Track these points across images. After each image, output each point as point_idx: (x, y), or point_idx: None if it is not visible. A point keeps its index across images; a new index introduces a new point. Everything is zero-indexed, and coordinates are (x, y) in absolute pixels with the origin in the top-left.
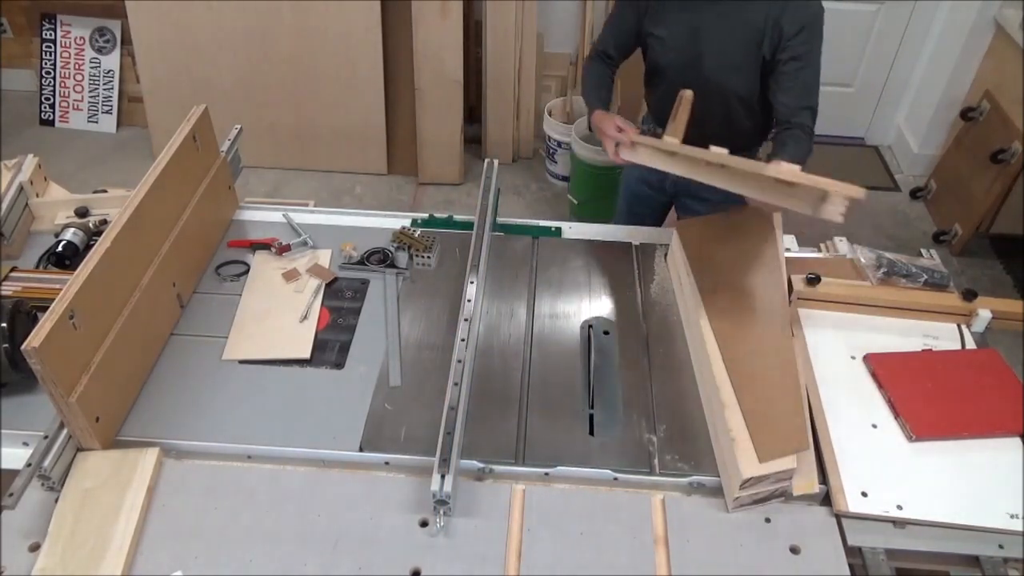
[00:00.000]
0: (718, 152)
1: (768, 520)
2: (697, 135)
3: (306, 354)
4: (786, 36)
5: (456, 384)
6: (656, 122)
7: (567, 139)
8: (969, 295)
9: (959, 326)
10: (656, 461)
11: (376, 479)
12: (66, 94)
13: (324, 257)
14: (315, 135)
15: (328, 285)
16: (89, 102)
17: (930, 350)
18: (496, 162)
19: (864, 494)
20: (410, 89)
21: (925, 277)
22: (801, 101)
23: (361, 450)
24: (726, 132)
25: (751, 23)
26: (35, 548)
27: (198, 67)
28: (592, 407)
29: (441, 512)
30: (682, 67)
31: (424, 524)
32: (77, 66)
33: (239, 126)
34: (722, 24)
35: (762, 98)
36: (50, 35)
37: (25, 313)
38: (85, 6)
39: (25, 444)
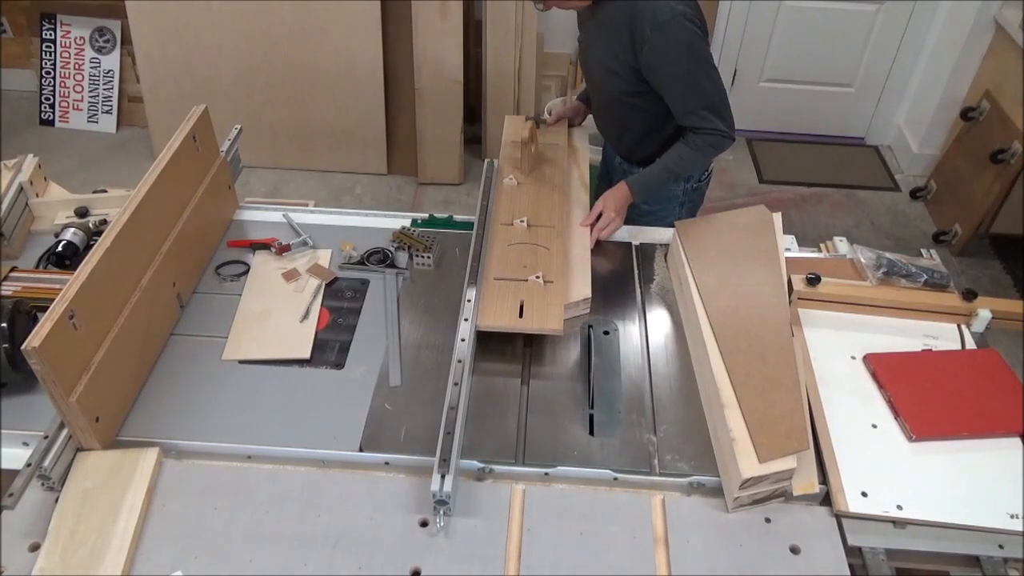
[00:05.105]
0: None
1: (768, 520)
2: (608, 140)
3: (306, 354)
4: (638, 41)
5: (456, 384)
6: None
7: None
8: (969, 295)
9: (959, 326)
10: (656, 461)
11: (376, 479)
12: (66, 94)
13: (324, 257)
14: (315, 135)
15: (328, 285)
16: (89, 102)
17: (930, 350)
18: (496, 162)
19: (864, 494)
20: (410, 89)
21: (925, 277)
22: (686, 105)
23: (361, 450)
24: (634, 140)
25: (612, 28)
26: (35, 548)
27: (198, 67)
28: (592, 407)
29: (441, 512)
30: (587, 78)
31: (424, 524)
32: (77, 66)
33: (239, 126)
34: (597, 33)
35: (657, 104)
36: (50, 35)
37: (25, 313)
38: (85, 6)
39: (25, 444)
